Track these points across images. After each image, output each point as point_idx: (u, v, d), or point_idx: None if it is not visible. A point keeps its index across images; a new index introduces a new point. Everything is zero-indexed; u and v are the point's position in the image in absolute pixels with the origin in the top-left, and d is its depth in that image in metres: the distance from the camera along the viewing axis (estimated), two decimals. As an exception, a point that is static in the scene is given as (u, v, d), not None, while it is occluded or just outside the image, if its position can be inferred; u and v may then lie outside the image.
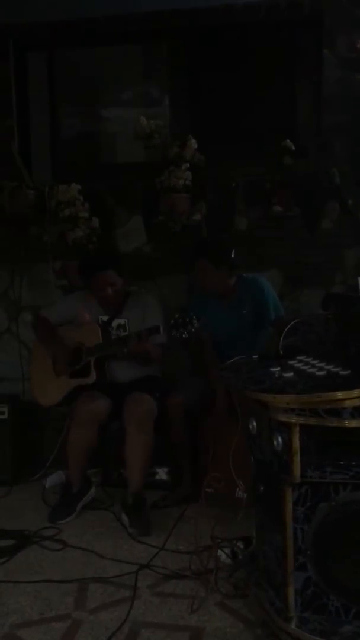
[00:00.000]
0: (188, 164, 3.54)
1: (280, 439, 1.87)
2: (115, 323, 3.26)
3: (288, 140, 3.51)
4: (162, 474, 3.29)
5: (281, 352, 2.18)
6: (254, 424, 2.09)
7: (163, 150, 3.58)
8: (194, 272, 3.21)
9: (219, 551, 2.41)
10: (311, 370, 1.94)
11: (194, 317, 2.78)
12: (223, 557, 2.40)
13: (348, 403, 1.73)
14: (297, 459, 1.81)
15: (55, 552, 2.66)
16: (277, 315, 3.14)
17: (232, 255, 3.13)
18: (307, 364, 2.03)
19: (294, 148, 3.51)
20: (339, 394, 1.72)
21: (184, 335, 2.79)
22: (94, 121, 4.17)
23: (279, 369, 1.98)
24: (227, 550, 2.41)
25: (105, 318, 3.27)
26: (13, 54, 3.89)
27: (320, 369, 1.93)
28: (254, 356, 2.28)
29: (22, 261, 3.86)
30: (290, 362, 2.08)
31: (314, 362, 2.03)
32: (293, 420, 1.79)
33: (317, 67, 3.68)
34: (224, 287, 3.17)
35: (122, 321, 3.26)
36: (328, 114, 3.65)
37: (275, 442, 1.89)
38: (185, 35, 3.80)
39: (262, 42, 3.72)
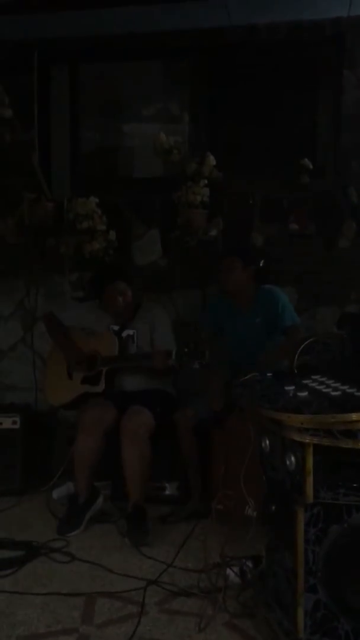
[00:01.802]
0: (206, 180, 3.58)
1: (293, 459, 1.86)
2: (124, 333, 3.29)
3: (306, 159, 3.54)
4: (171, 488, 3.28)
5: (296, 371, 2.17)
6: (267, 442, 2.08)
7: (181, 166, 3.62)
8: (220, 270, 3.20)
9: (228, 570, 2.39)
10: (326, 390, 1.94)
11: (206, 350, 2.82)
12: (232, 575, 2.37)
13: (363, 425, 1.72)
14: (310, 479, 1.80)
15: (63, 564, 2.65)
16: (293, 322, 3.14)
17: (261, 264, 3.15)
18: (321, 383, 2.02)
19: (311, 167, 3.53)
20: (354, 416, 1.71)
21: (195, 366, 2.84)
22: (114, 135, 4.23)
23: (293, 387, 1.98)
24: (236, 569, 2.39)
25: (116, 328, 3.30)
26: (37, 67, 3.95)
27: (335, 389, 1.92)
28: (269, 374, 2.28)
29: (39, 272, 3.89)
30: (305, 381, 2.08)
31: (329, 381, 2.02)
32: (307, 440, 1.78)
33: (338, 87, 3.72)
34: (245, 289, 3.18)
35: (131, 332, 3.29)
36: (347, 134, 3.68)
37: (288, 462, 1.88)
38: (207, 53, 3.85)
39: (283, 61, 3.75)
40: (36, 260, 3.88)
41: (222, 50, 3.81)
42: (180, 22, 3.62)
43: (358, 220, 3.61)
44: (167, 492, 3.27)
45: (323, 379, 2.07)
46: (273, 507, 2.09)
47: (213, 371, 3.05)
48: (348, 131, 3.65)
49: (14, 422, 3.49)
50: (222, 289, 3.29)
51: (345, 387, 1.91)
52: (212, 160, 3.59)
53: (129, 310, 3.32)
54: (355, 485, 1.83)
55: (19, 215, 3.83)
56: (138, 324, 3.30)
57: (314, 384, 2.03)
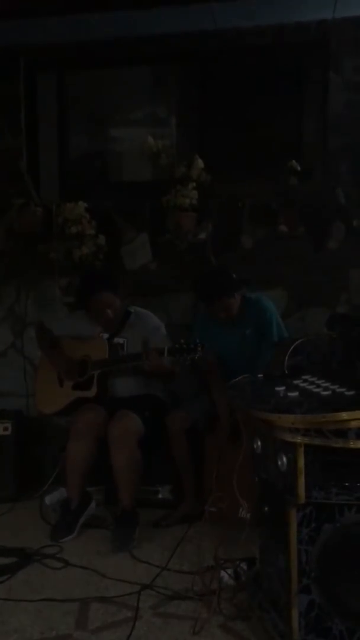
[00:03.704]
0: (194, 183, 3.58)
1: (285, 459, 1.86)
2: (114, 341, 3.27)
3: (294, 161, 3.55)
4: (164, 492, 3.28)
5: (286, 372, 2.18)
6: (259, 443, 2.08)
7: (170, 169, 3.63)
8: (214, 310, 3.13)
9: (222, 572, 2.38)
10: (316, 390, 1.94)
11: (199, 344, 2.81)
12: (226, 578, 2.37)
13: (353, 424, 1.72)
14: (302, 479, 1.80)
15: (56, 570, 2.64)
16: (279, 335, 3.14)
17: (234, 276, 3.12)
18: (312, 383, 2.03)
19: (299, 169, 3.55)
20: (344, 415, 1.72)
21: (186, 362, 2.83)
22: (102, 140, 4.23)
23: (284, 388, 1.98)
24: (230, 571, 2.39)
25: (105, 336, 3.28)
26: (23, 74, 3.95)
27: (326, 389, 1.92)
28: (259, 375, 2.28)
29: (29, 277, 3.89)
30: (296, 382, 2.08)
31: (319, 382, 2.02)
32: (298, 440, 1.78)
33: (324, 89, 3.74)
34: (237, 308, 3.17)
35: (121, 340, 3.27)
36: (334, 136, 3.70)
37: (279, 462, 1.88)
38: (193, 57, 3.87)
39: (269, 64, 3.77)
40: (26, 266, 3.87)
41: (208, 54, 3.82)
42: (166, 27, 3.63)
43: (346, 221, 3.63)
44: (160, 496, 3.27)
45: (313, 379, 2.07)
46: (266, 508, 2.09)
47: (222, 399, 3.01)
48: (335, 133, 3.67)
49: (6, 429, 3.48)
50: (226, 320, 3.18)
51: (335, 387, 1.92)
52: (200, 163, 3.60)
53: (117, 318, 3.30)
54: (347, 484, 1.83)
55: (7, 221, 3.83)
56: (129, 334, 3.28)
57: (304, 384, 2.04)
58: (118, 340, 3.27)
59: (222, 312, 3.13)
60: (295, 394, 1.92)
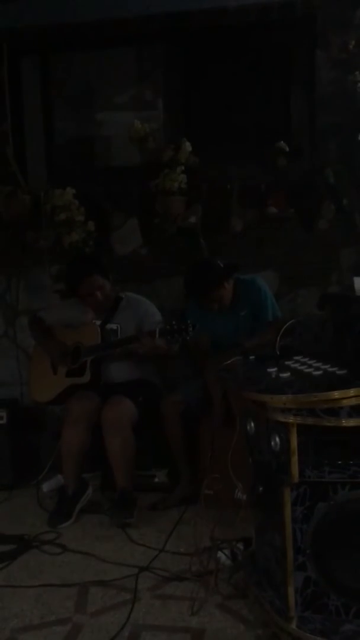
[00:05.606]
0: (183, 167, 3.56)
1: (278, 439, 1.87)
2: (107, 327, 3.27)
3: (282, 142, 3.54)
4: (160, 476, 3.29)
5: (278, 353, 2.18)
6: (252, 424, 2.10)
7: (158, 153, 3.60)
8: (206, 302, 3.11)
9: (219, 552, 2.41)
10: (308, 370, 1.95)
11: (190, 325, 2.81)
12: (223, 558, 2.40)
13: (345, 402, 1.73)
14: (295, 459, 1.81)
15: (55, 556, 2.65)
16: (274, 315, 3.14)
17: (222, 265, 3.10)
18: (303, 364, 2.04)
19: (288, 149, 3.54)
20: (336, 394, 1.72)
21: (178, 343, 2.84)
22: (89, 125, 4.18)
23: (275, 369, 1.99)
24: (227, 552, 2.41)
25: (98, 322, 3.28)
26: (7, 58, 3.89)
27: (317, 368, 1.93)
28: (251, 357, 2.29)
29: (19, 265, 3.87)
30: (287, 363, 2.09)
31: (311, 362, 2.03)
32: (290, 420, 1.79)
33: (310, 68, 3.70)
34: (228, 294, 3.16)
35: (114, 326, 3.27)
36: (321, 115, 3.67)
37: (273, 443, 1.89)
38: (178, 37, 3.82)
39: (255, 44, 3.73)
40: (15, 254, 3.85)
41: (193, 35, 3.77)
42: (150, 7, 3.57)
43: (336, 201, 3.62)
44: (157, 480, 3.29)
45: (305, 360, 2.08)
46: (260, 489, 2.11)
47: (214, 382, 3.01)
48: (322, 112, 3.64)
49: (1, 418, 3.48)
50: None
51: (326, 367, 1.93)
52: (188, 146, 3.57)
53: (109, 303, 3.30)
54: (339, 462, 1.85)
55: (-5, 209, 3.80)
56: (121, 319, 3.28)
57: (296, 365, 2.05)
58: (111, 326, 3.27)
59: (214, 304, 3.12)
60: (287, 374, 1.93)
